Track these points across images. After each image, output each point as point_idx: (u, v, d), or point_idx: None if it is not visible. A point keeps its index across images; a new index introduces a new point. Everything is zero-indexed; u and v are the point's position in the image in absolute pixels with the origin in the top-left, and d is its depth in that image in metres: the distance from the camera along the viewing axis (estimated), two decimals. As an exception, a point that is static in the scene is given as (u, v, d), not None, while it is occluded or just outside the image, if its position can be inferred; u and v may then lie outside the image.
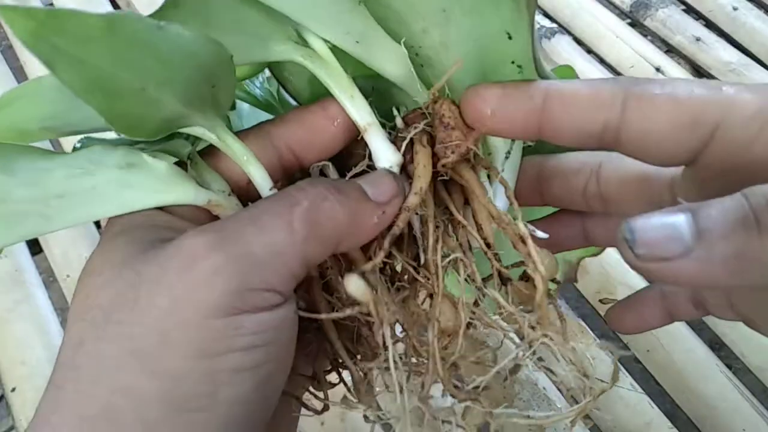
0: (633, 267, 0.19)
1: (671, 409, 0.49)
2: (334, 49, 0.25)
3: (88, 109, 0.19)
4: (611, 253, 0.52)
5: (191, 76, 0.21)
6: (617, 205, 0.27)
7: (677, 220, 0.18)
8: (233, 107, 0.34)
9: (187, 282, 0.19)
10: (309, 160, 0.26)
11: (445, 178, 0.26)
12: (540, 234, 0.24)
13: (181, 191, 0.23)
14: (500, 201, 0.26)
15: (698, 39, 0.72)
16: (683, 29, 0.73)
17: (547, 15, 0.77)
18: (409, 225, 0.25)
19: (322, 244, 0.22)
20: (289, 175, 0.27)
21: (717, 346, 0.52)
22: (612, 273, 0.54)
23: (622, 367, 0.50)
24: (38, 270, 0.60)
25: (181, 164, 0.25)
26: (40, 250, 0.61)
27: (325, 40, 0.24)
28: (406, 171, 0.25)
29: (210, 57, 0.21)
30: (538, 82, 0.23)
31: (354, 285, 0.22)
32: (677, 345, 0.51)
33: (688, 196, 0.23)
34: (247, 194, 0.26)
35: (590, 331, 0.53)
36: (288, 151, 0.26)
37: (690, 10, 0.76)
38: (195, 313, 0.19)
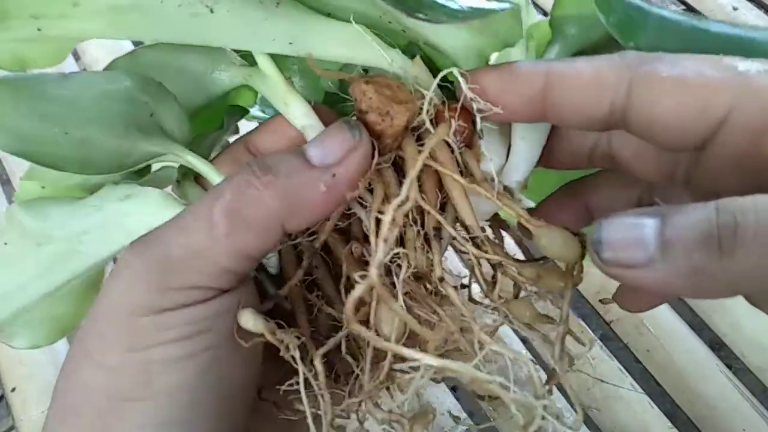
0: (601, 270, 0.19)
1: (671, 409, 0.49)
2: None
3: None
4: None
5: (116, 110, 0.23)
6: (628, 158, 0.25)
7: (645, 227, 0.18)
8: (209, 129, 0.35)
9: (116, 288, 0.21)
10: None
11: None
12: (528, 203, 0.24)
13: (170, 211, 0.24)
14: (488, 165, 0.24)
15: (698, 39, 0.72)
16: (683, 29, 0.73)
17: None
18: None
19: (256, 233, 0.21)
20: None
21: (717, 346, 0.52)
22: (612, 273, 0.54)
23: (622, 368, 0.50)
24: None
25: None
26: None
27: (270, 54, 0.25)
28: None
29: (132, 91, 0.23)
30: (537, 65, 0.21)
31: (244, 320, 0.22)
32: (677, 345, 0.51)
33: (704, 178, 0.22)
34: None
35: (590, 332, 0.53)
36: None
37: (690, 11, 0.76)
38: (123, 314, 0.21)
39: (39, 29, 0.22)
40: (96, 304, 0.22)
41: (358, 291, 0.19)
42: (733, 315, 0.52)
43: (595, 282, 0.54)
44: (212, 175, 0.25)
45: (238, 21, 0.23)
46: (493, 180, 0.23)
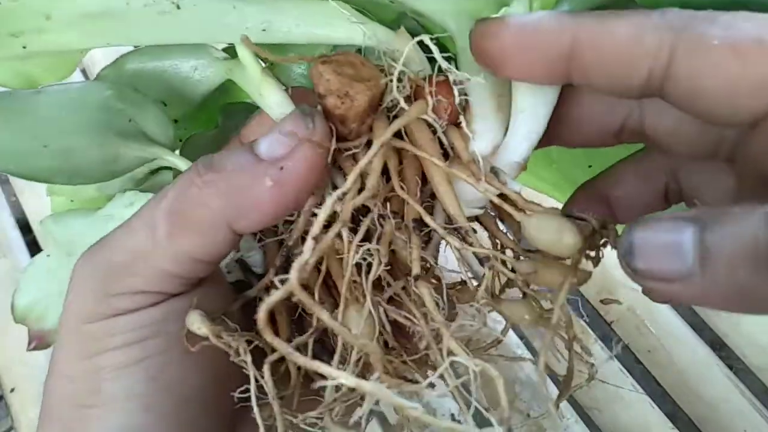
0: (632, 279, 0.17)
1: (672, 410, 0.49)
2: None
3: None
4: (612, 254, 0.52)
5: (93, 119, 0.23)
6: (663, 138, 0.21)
7: (683, 234, 0.16)
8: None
9: (69, 296, 0.21)
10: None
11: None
12: (515, 186, 0.21)
13: None
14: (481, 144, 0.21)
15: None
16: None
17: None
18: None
19: (199, 235, 0.20)
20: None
21: (718, 346, 0.52)
22: (613, 274, 0.54)
23: (623, 368, 0.50)
24: (38, 270, 0.60)
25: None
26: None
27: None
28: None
29: (108, 100, 0.24)
30: (563, 20, 0.18)
31: (189, 322, 0.20)
32: (678, 346, 0.51)
33: (753, 159, 0.19)
34: None
35: (591, 332, 0.53)
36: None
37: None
38: (74, 322, 0.21)
39: (24, 46, 0.22)
40: (61, 313, 0.22)
41: (273, 298, 0.16)
42: (734, 316, 0.52)
43: (595, 282, 0.54)
44: None
45: (207, 14, 0.22)
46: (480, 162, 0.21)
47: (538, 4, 0.22)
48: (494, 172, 0.21)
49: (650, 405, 0.48)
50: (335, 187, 0.21)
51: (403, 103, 0.20)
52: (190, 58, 0.26)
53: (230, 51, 0.26)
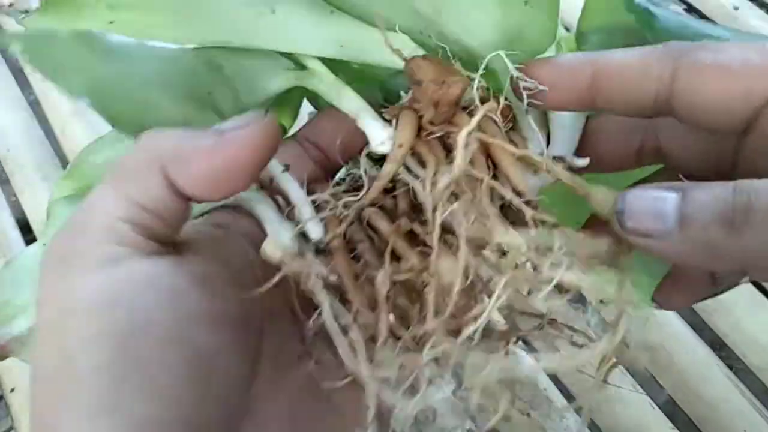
0: (622, 236, 0.20)
1: (672, 410, 0.49)
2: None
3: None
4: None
5: (183, 81, 0.24)
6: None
7: (666, 200, 0.19)
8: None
9: (42, 258, 0.21)
10: (337, 158, 0.27)
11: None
12: (580, 161, 0.24)
13: None
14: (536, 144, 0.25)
15: (699, 39, 0.72)
16: (684, 29, 0.73)
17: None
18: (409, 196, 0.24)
19: (136, 177, 0.20)
20: (329, 172, 0.27)
21: (718, 346, 0.52)
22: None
23: (623, 368, 0.50)
24: (38, 270, 0.60)
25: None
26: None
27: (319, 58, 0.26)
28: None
29: (196, 66, 0.24)
30: (582, 56, 0.23)
31: (268, 247, 0.21)
32: (678, 345, 0.51)
33: (748, 165, 0.23)
34: (273, 191, 0.26)
35: (591, 332, 0.53)
36: (313, 147, 0.26)
37: (691, 10, 0.76)
38: (42, 286, 0.20)
39: (111, 22, 0.24)
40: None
41: (444, 180, 0.20)
42: (734, 315, 0.52)
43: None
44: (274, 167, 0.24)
45: (295, 24, 0.25)
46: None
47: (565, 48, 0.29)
48: (558, 159, 0.24)
49: (650, 405, 0.48)
50: (422, 163, 0.24)
51: (477, 102, 0.23)
52: (259, 62, 0.27)
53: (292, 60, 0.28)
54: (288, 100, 0.29)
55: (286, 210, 0.25)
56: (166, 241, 0.21)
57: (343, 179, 0.28)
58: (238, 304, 0.22)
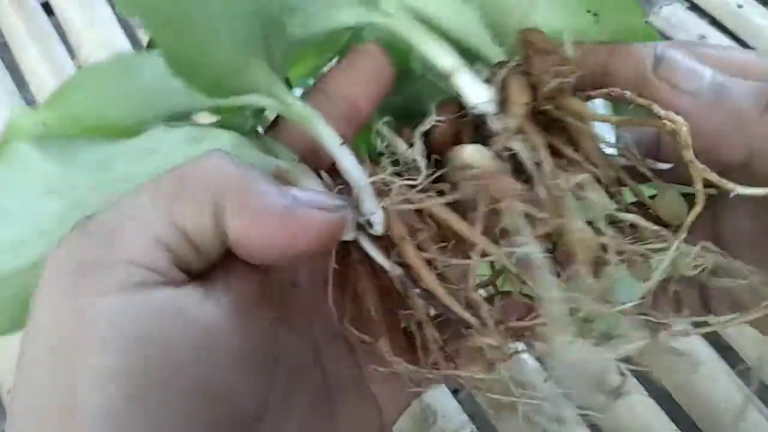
0: (647, 85, 0.20)
1: (674, 410, 0.48)
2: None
3: (146, 96, 0.21)
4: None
5: (241, 21, 0.21)
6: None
7: (705, 68, 0.19)
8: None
9: (49, 261, 0.18)
10: (366, 106, 0.24)
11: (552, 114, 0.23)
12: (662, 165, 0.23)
13: (247, 159, 0.21)
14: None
15: (702, 36, 0.71)
16: (687, 27, 0.73)
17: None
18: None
19: (190, 205, 0.18)
20: (356, 126, 0.24)
21: (721, 346, 0.52)
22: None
23: (623, 368, 0.50)
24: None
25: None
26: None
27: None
28: (503, 111, 0.22)
29: (256, 5, 0.21)
30: (647, 44, 0.21)
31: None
32: (681, 346, 0.51)
33: None
34: (318, 162, 0.23)
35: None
36: (345, 102, 0.23)
37: (694, 8, 0.75)
38: (45, 299, 0.17)
39: None
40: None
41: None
42: (738, 316, 0.52)
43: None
44: (317, 125, 0.22)
45: None
46: None
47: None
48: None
49: (652, 405, 0.48)
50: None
51: (592, 90, 0.22)
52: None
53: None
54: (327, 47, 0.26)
55: (335, 188, 0.23)
56: (196, 273, 0.19)
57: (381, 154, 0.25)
58: (266, 329, 0.20)
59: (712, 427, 0.47)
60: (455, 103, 0.24)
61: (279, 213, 0.18)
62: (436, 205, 0.22)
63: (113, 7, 0.72)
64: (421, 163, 0.23)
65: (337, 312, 0.24)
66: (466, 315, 0.21)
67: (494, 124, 0.22)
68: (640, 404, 0.48)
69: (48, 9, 0.76)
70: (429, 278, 0.22)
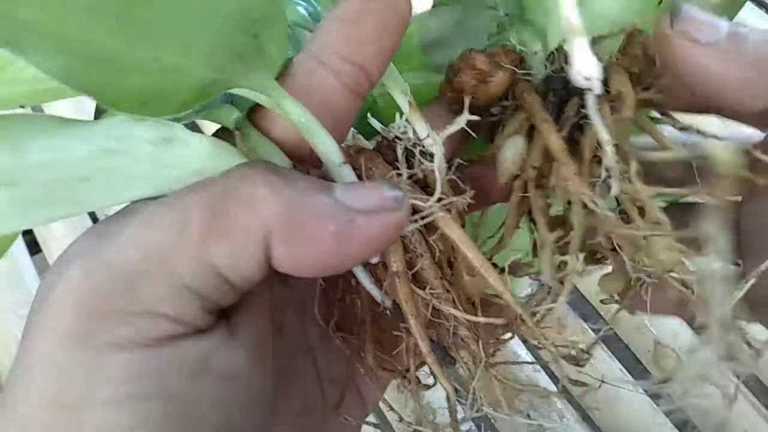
0: (666, 42, 0.18)
1: (673, 410, 0.49)
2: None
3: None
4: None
5: (223, 29, 0.16)
6: None
7: (721, 21, 0.18)
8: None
9: (49, 302, 0.15)
10: (376, 68, 0.18)
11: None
12: None
13: (225, 166, 0.18)
14: None
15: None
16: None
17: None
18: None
19: (233, 241, 0.15)
20: (363, 97, 0.19)
21: (718, 346, 0.52)
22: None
23: (623, 368, 0.50)
24: (37, 270, 0.60)
25: (225, 130, 0.20)
26: (39, 250, 0.61)
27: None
28: (606, 95, 0.20)
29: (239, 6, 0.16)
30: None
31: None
32: (679, 346, 0.51)
33: None
34: (313, 162, 0.19)
35: (591, 332, 0.53)
36: (349, 67, 0.18)
37: (691, 10, 0.76)
38: (48, 344, 0.15)
39: None
40: (26, 327, 0.16)
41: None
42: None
43: (594, 282, 0.54)
44: (315, 137, 0.18)
45: None
46: None
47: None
48: None
49: (650, 405, 0.48)
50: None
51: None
52: None
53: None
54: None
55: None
56: (224, 309, 0.17)
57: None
58: (284, 360, 0.19)
59: (709, 425, 0.47)
60: (512, 54, 0.21)
61: (333, 234, 0.16)
62: (452, 228, 0.19)
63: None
64: (440, 162, 0.20)
65: (324, 316, 0.22)
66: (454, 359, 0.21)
67: (592, 106, 0.19)
68: (637, 403, 0.48)
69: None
70: (416, 328, 0.20)
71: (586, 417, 0.49)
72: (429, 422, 0.22)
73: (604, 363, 0.47)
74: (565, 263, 0.21)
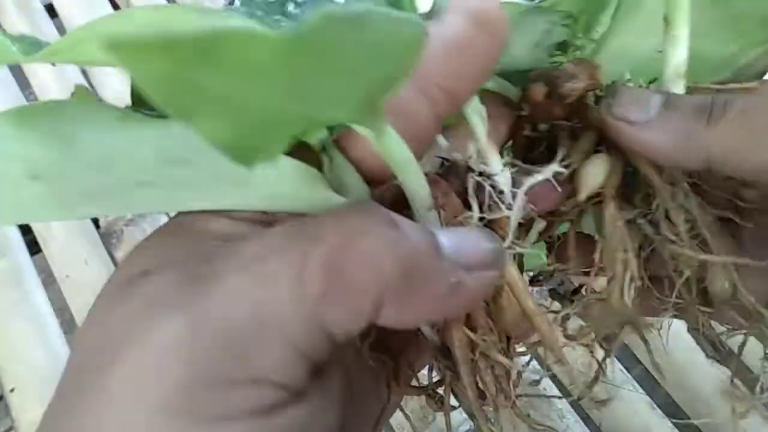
0: (609, 126, 0.21)
1: (672, 410, 0.49)
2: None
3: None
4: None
5: (373, 81, 0.13)
6: None
7: (651, 97, 0.21)
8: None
9: (138, 357, 0.13)
10: (468, 99, 0.18)
11: None
12: None
13: (308, 196, 0.16)
14: None
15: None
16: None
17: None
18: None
19: (348, 306, 0.14)
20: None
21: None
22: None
23: (622, 367, 0.50)
24: (37, 270, 0.60)
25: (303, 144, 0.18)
26: (39, 250, 0.61)
27: None
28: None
29: (402, 48, 0.13)
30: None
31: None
32: (679, 345, 0.51)
33: None
34: (382, 195, 0.19)
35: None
36: (442, 93, 0.17)
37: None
38: (143, 419, 0.13)
39: None
40: (87, 360, 0.14)
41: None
42: (734, 315, 0.52)
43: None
44: (410, 176, 0.17)
45: None
46: None
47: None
48: None
49: (650, 405, 0.48)
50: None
51: None
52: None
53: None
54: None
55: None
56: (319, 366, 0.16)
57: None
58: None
59: (708, 424, 0.47)
60: (592, 69, 0.22)
61: (444, 296, 0.15)
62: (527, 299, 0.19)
63: (116, 9, 0.72)
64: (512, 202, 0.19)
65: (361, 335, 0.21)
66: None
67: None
68: (637, 403, 0.48)
69: (52, 11, 0.76)
70: (466, 377, 0.19)
71: (586, 417, 0.49)
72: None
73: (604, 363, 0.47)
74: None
